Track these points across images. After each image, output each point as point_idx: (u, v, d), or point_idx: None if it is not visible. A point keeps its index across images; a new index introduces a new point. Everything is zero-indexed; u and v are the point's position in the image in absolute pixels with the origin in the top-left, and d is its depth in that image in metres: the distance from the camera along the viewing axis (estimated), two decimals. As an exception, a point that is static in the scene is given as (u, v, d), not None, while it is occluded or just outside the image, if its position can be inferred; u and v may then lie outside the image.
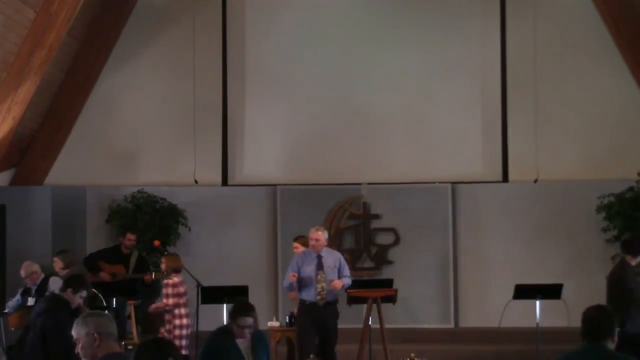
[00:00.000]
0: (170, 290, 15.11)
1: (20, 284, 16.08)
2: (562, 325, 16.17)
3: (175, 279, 15.00)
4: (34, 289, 15.71)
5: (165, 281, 15.13)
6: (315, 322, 14.46)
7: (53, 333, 10.99)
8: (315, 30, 20.01)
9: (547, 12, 19.48)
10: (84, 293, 11.77)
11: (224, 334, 10.48)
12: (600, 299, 17.54)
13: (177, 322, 14.78)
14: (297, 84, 19.93)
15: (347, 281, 14.89)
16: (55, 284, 15.55)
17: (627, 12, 18.97)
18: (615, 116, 19.46)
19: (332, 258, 14.89)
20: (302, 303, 14.74)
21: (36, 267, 15.77)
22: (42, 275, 15.72)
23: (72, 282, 11.93)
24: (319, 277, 14.59)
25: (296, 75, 19.95)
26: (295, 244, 16.45)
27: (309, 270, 14.62)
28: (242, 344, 10.36)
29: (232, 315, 10.60)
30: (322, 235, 14.79)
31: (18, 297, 16.01)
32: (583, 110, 19.50)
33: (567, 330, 14.92)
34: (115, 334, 7.52)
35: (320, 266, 14.64)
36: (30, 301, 15.68)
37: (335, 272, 14.74)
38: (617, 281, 14.97)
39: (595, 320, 7.48)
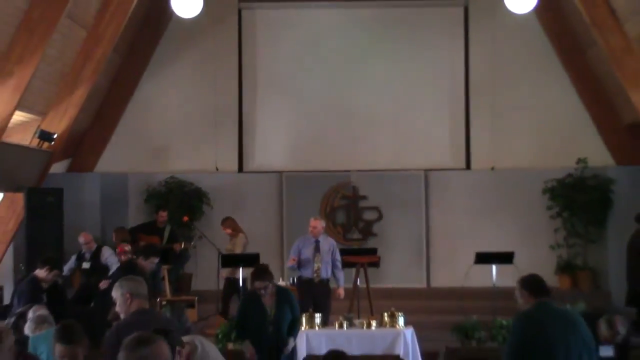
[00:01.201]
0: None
1: (73, 253, 16.49)
2: (513, 285, 15.61)
3: None
4: (88, 255, 16.07)
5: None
6: (310, 295, 14.49)
7: None
8: (315, 46, 20.06)
9: (503, 30, 19.43)
10: (155, 260, 11.99)
11: (251, 295, 10.72)
12: (545, 263, 18.13)
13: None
14: (300, 89, 20.04)
15: (342, 282, 14.98)
16: (107, 252, 16.02)
17: (566, 30, 19.26)
18: (558, 116, 19.63)
19: (328, 244, 14.91)
20: (300, 279, 14.86)
21: (92, 238, 16.27)
22: (96, 245, 16.19)
23: (145, 251, 12.15)
24: (316, 258, 14.65)
25: (299, 82, 20.06)
26: (223, 228, 17.09)
27: (308, 252, 14.70)
28: (268, 301, 10.60)
29: (250, 280, 10.99)
30: (319, 224, 14.94)
31: (72, 261, 16.29)
32: (531, 111, 19.67)
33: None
34: (145, 294, 7.72)
35: (317, 249, 14.70)
36: (85, 264, 16.01)
37: (330, 255, 14.80)
38: (636, 248, 15.40)
39: (542, 282, 7.79)
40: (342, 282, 15.02)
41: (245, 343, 10.89)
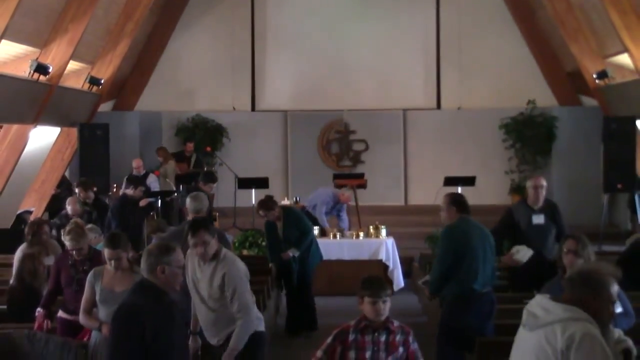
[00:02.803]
0: None
1: (117, 176, 16.67)
2: (475, 203, 15.91)
3: None
4: (139, 175, 16.01)
5: None
6: None
7: None
8: (314, 8, 19.83)
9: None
10: (214, 185, 11.78)
11: (268, 223, 10.90)
12: (500, 185, 18.36)
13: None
14: (301, 43, 19.84)
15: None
16: (152, 178, 16.05)
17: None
18: (512, 65, 19.54)
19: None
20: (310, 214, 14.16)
21: (142, 164, 16.21)
22: (144, 171, 16.16)
23: (205, 177, 11.89)
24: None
25: (301, 38, 19.86)
26: (158, 156, 16.94)
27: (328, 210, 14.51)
28: (278, 224, 10.82)
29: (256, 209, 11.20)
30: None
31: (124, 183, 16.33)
32: (491, 61, 19.59)
33: (478, 207, 14.66)
34: (200, 209, 8.25)
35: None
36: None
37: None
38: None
39: (466, 201, 7.76)
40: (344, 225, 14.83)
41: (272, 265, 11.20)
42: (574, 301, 4.27)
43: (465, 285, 7.61)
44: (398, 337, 5.68)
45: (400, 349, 5.67)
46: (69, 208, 11.64)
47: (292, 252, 10.88)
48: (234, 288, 6.39)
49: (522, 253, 8.84)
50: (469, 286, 7.60)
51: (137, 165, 16.17)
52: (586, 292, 4.30)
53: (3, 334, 6.75)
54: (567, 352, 4.09)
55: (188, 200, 8.46)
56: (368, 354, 5.62)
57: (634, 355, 5.63)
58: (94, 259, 7.81)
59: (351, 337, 5.63)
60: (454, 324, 7.66)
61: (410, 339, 5.72)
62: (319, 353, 5.63)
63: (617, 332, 5.57)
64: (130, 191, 12.46)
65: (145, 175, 16.15)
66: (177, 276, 5.31)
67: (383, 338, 5.64)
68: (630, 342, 5.63)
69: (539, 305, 4.39)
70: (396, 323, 5.73)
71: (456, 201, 7.75)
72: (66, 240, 7.88)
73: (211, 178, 11.76)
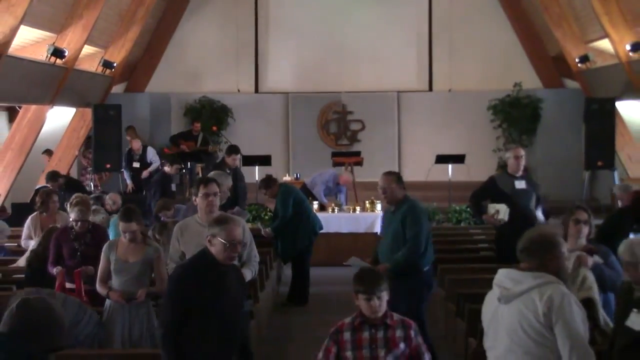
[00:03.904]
0: None
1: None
2: (464, 179, 16.22)
3: None
4: (137, 156, 16.58)
5: None
6: None
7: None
8: None
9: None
10: (237, 156, 11.70)
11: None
12: (488, 162, 18.27)
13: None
14: (302, 29, 19.75)
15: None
16: (151, 152, 16.63)
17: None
18: (500, 49, 19.47)
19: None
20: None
21: (140, 145, 16.68)
22: (140, 149, 16.62)
23: (229, 149, 11.90)
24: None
25: (301, 23, 19.77)
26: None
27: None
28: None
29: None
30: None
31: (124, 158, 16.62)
32: (480, 45, 19.50)
33: (467, 183, 14.67)
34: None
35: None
36: (135, 164, 16.60)
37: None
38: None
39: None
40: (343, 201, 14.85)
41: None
42: (537, 267, 4.41)
43: (431, 258, 7.50)
44: (398, 333, 5.00)
45: (402, 345, 4.97)
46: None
47: (266, 231, 10.99)
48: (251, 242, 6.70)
49: (502, 212, 8.94)
50: (432, 260, 7.54)
51: (135, 147, 16.61)
52: (545, 256, 4.43)
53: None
54: (548, 313, 4.22)
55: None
56: (365, 352, 4.97)
57: (598, 303, 5.75)
58: (95, 232, 7.93)
59: (346, 335, 5.01)
60: (427, 293, 7.56)
61: (412, 333, 5.03)
62: (320, 355, 5.07)
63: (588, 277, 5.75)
64: (167, 168, 12.98)
65: (145, 151, 16.60)
66: (222, 250, 5.16)
67: (381, 334, 4.99)
68: (592, 293, 5.76)
69: (507, 277, 4.47)
70: (396, 317, 5.07)
71: (400, 179, 7.42)
72: (73, 212, 7.91)
73: (234, 150, 11.76)
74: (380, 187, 7.33)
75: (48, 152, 17.20)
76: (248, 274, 6.48)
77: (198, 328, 5.08)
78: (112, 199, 11.33)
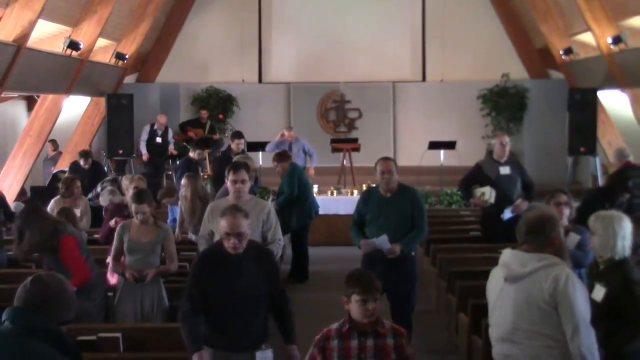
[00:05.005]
0: None
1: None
2: (455, 164, 16.17)
3: None
4: (160, 132, 16.73)
5: None
6: None
7: None
8: None
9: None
10: (242, 141, 11.75)
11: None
12: (478, 149, 17.97)
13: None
14: (303, 22, 19.66)
15: (313, 164, 14.47)
16: (170, 133, 16.86)
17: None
18: (489, 42, 19.37)
19: (297, 146, 14.42)
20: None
21: (166, 120, 16.92)
22: (164, 127, 16.79)
23: (233, 134, 12.01)
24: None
25: (302, 17, 19.68)
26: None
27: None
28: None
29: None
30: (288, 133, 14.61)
31: (147, 131, 16.76)
32: (470, 38, 19.37)
33: (458, 168, 14.64)
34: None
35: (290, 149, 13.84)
36: (158, 139, 16.74)
37: (301, 152, 14.37)
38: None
39: None
40: (314, 163, 14.58)
41: None
42: (539, 248, 4.37)
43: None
44: (389, 341, 4.40)
45: (393, 355, 4.39)
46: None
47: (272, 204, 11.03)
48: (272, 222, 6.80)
49: (488, 193, 9.01)
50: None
51: (162, 121, 16.71)
52: (551, 233, 4.41)
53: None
54: (554, 293, 4.21)
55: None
56: None
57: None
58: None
59: (333, 343, 4.41)
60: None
61: (404, 342, 4.45)
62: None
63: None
64: (192, 154, 12.96)
65: (166, 131, 16.80)
66: (224, 240, 5.04)
67: (371, 342, 4.38)
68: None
69: (513, 259, 4.43)
70: (387, 324, 4.49)
71: (396, 165, 7.37)
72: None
73: (239, 135, 11.84)
74: (386, 170, 7.23)
75: (52, 142, 17.22)
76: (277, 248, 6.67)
77: (214, 311, 5.04)
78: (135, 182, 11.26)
